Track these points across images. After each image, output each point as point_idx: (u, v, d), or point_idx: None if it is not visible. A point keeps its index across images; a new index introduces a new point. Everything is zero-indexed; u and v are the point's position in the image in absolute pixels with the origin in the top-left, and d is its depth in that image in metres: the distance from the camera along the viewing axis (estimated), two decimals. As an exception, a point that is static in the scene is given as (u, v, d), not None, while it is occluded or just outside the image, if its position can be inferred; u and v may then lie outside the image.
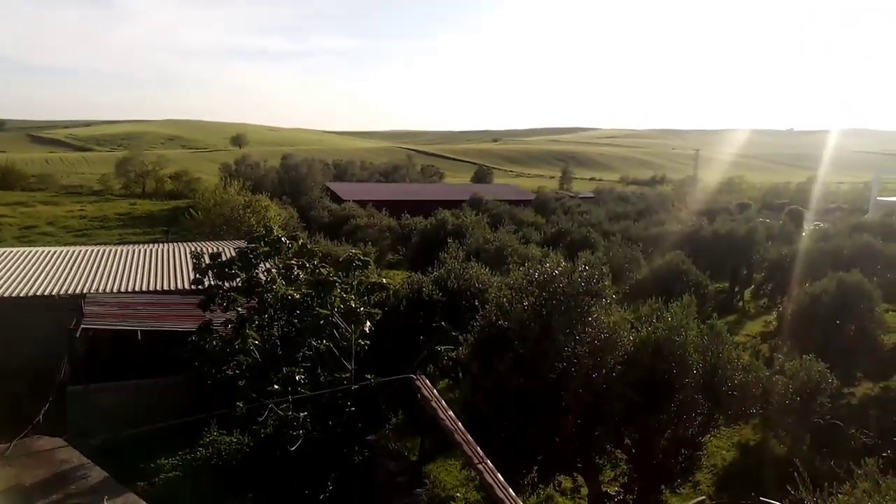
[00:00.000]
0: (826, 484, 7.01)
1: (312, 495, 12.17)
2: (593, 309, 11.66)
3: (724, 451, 17.16)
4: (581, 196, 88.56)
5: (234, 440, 14.78)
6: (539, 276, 11.71)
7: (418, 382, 9.80)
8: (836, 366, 16.11)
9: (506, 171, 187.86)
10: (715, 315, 14.02)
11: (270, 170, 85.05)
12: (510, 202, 61.11)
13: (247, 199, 42.49)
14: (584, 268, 12.01)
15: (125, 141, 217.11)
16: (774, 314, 28.53)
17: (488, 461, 8.13)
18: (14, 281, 22.87)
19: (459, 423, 8.59)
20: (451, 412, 8.91)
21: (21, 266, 24.89)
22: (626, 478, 13.20)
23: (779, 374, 14.81)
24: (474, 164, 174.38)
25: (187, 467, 14.27)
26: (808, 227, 49.63)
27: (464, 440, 8.39)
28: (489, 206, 55.93)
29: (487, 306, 12.82)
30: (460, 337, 13.25)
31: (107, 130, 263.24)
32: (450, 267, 18.36)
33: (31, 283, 22.80)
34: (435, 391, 9.32)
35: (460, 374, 16.88)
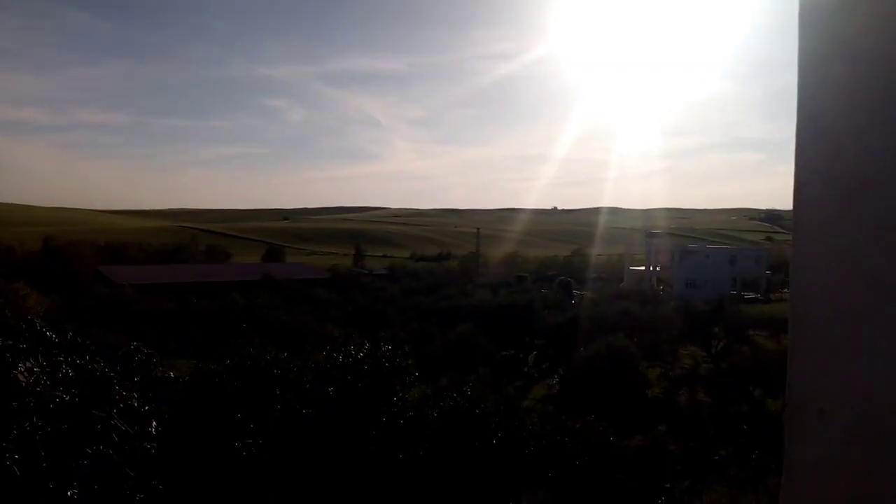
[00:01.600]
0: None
1: None
2: (398, 388, 11.82)
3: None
4: (375, 273, 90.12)
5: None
6: (343, 358, 11.63)
7: None
8: (612, 421, 17.80)
9: (298, 248, 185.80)
10: (504, 382, 14.90)
11: (29, 254, 75.47)
12: (305, 281, 60.33)
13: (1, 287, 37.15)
14: (387, 347, 12.18)
15: None
16: (556, 378, 30.96)
17: None
18: None
19: None
20: None
21: None
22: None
23: (568, 436, 15.96)
24: (265, 242, 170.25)
25: None
26: (576, 295, 55.20)
27: None
28: (283, 285, 54.71)
29: (289, 394, 12.40)
30: (259, 429, 12.58)
31: None
32: (244, 353, 17.52)
33: None
34: None
35: (260, 470, 15.86)
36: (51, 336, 13.89)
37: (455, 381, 13.38)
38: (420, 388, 14.35)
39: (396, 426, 11.36)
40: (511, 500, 12.63)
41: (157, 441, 12.14)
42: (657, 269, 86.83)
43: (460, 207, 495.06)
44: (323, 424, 10.99)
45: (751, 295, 74.43)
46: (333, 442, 10.85)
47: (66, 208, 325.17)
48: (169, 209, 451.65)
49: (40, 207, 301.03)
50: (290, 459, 11.15)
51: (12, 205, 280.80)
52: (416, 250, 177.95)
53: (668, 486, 14.83)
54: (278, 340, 24.16)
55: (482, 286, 59.66)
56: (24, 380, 12.86)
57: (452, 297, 46.84)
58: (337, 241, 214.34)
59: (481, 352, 27.62)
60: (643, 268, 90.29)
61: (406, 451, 11.34)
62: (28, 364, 13.56)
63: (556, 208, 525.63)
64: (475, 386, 12.54)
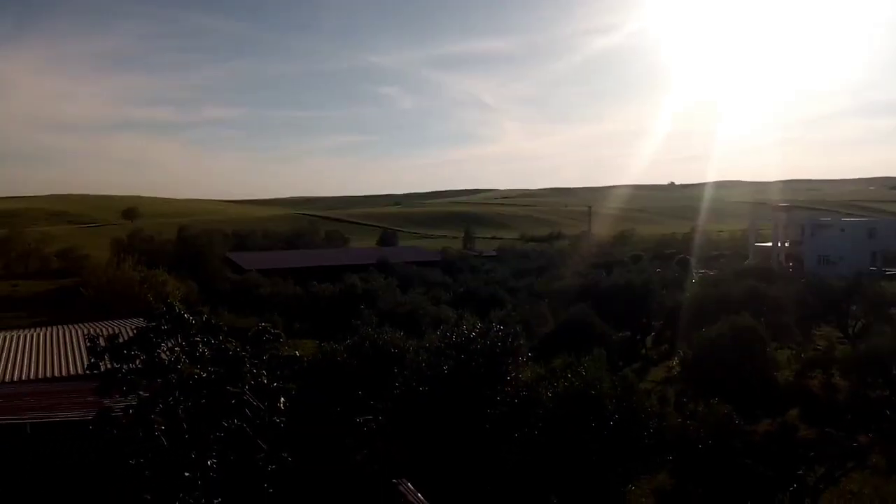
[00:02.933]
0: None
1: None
2: (510, 367, 11.82)
3: (642, 499, 17.47)
4: (485, 255, 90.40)
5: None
6: (456, 338, 11.78)
7: (401, 488, 9.27)
8: (737, 405, 16.97)
9: (410, 233, 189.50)
10: (621, 364, 14.53)
11: (167, 243, 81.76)
12: (417, 263, 61.53)
13: (142, 274, 40.54)
14: (499, 327, 12.20)
15: (4, 220, 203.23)
16: (676, 359, 29.85)
17: None
18: None
19: None
20: None
21: None
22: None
23: (689, 419, 15.39)
24: (379, 227, 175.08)
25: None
26: (696, 275, 52.81)
27: None
28: (397, 268, 56.06)
29: (406, 372, 12.73)
30: (378, 405, 13.02)
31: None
32: (364, 333, 18.18)
33: None
34: (419, 494, 8.79)
35: (380, 444, 16.48)
36: (188, 318, 15.00)
37: (569, 362, 13.18)
38: (533, 368, 14.29)
39: (510, 405, 11.40)
40: (629, 482, 12.37)
41: (286, 416, 12.85)
42: (786, 244, 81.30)
43: (572, 186, 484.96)
44: (438, 402, 11.22)
45: (893, 271, 68.24)
46: (449, 419, 11.05)
47: (198, 200, 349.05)
48: (290, 198, 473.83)
49: (176, 200, 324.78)
50: (407, 435, 11.47)
51: (151, 198, 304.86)
52: (526, 231, 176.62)
53: (800, 472, 13.97)
54: (394, 321, 24.86)
55: (595, 266, 58.42)
56: (167, 358, 14.01)
57: (564, 278, 46.17)
58: (447, 225, 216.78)
59: (596, 333, 27.06)
60: (770, 244, 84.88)
61: (520, 429, 11.36)
62: (169, 344, 14.75)
63: (672, 183, 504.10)
64: (590, 367, 12.31)
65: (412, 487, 8.71)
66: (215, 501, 11.13)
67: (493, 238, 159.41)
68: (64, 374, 21.37)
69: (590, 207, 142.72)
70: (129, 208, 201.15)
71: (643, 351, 34.97)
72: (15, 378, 20.81)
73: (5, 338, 25.94)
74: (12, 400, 17.92)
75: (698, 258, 72.45)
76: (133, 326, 19.21)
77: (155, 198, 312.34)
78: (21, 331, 27.98)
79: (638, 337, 36.06)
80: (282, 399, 12.84)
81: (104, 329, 24.88)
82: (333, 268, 56.64)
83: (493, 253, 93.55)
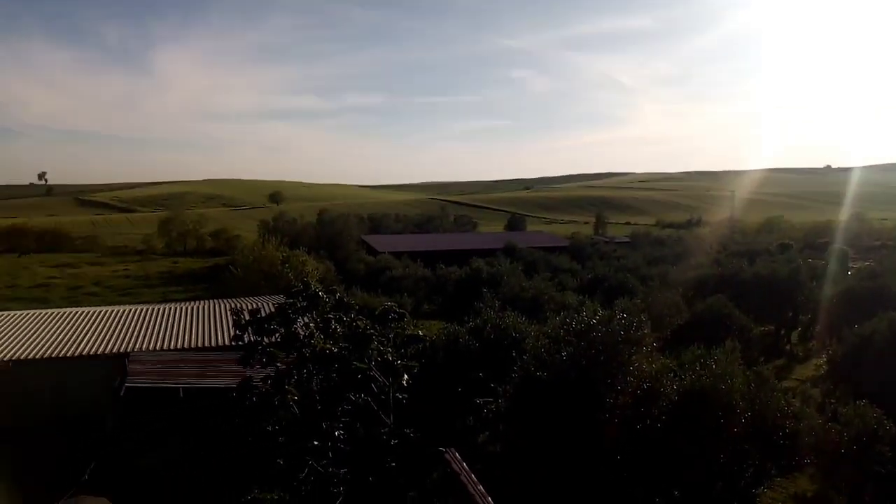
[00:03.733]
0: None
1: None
2: (634, 357, 11.47)
3: (779, 504, 16.42)
4: (616, 241, 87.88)
5: (275, 498, 14.69)
6: (576, 325, 11.59)
7: (447, 456, 9.55)
8: (890, 409, 15.43)
9: (539, 217, 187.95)
10: (762, 360, 13.62)
11: (307, 225, 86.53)
12: (544, 249, 60.95)
13: (284, 254, 43.18)
14: (623, 315, 11.85)
15: (166, 202, 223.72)
16: (824, 357, 27.63)
17: None
18: (62, 341, 23.48)
19: (489, 498, 8.27)
20: (480, 486, 8.59)
21: (68, 326, 25.58)
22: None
23: (832, 421, 14.22)
24: (507, 212, 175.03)
25: (228, 526, 14.17)
26: (851, 266, 48.38)
27: None
28: (523, 253, 55.84)
29: (525, 357, 12.70)
30: (498, 388, 13.09)
31: (149, 192, 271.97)
32: (486, 317, 18.33)
33: (77, 343, 23.37)
34: (464, 464, 9.02)
35: (500, 427, 16.63)
36: (322, 296, 15.85)
37: (699, 355, 12.57)
38: (660, 360, 13.76)
39: (631, 395, 11.08)
40: (761, 485, 11.66)
41: (409, 393, 13.27)
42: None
43: (714, 169, 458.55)
44: (556, 388, 11.12)
45: None
46: (565, 406, 10.93)
47: (337, 185, 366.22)
48: (422, 183, 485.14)
49: (317, 184, 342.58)
50: (526, 419, 11.48)
51: (294, 182, 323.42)
52: (662, 217, 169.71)
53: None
54: (517, 306, 24.86)
55: (737, 255, 55.00)
56: (302, 333, 14.90)
57: (702, 267, 43.91)
58: (579, 209, 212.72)
59: (733, 326, 25.57)
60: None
61: (641, 421, 11.02)
62: (305, 320, 15.66)
63: (829, 167, 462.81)
64: (721, 361, 11.67)
65: (458, 456, 8.77)
66: (342, 471, 11.73)
67: (627, 224, 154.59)
68: (213, 344, 23.33)
69: (733, 192, 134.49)
70: (275, 192, 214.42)
71: (787, 347, 32.62)
72: (172, 346, 22.99)
73: (166, 309, 28.70)
74: (169, 366, 19.84)
75: (855, 248, 66.22)
76: (274, 303, 20.56)
77: (297, 182, 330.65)
78: (178, 304, 30.82)
79: (782, 332, 33.68)
80: (406, 376, 13.26)
81: (248, 304, 26.86)
82: (461, 251, 57.46)
83: (626, 239, 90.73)
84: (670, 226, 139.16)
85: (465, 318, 20.46)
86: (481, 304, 23.03)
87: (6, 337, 23.93)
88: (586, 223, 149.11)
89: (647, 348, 11.69)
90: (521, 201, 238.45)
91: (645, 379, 11.31)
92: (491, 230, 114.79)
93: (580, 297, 27.24)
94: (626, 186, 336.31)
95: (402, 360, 13.59)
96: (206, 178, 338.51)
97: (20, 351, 22.43)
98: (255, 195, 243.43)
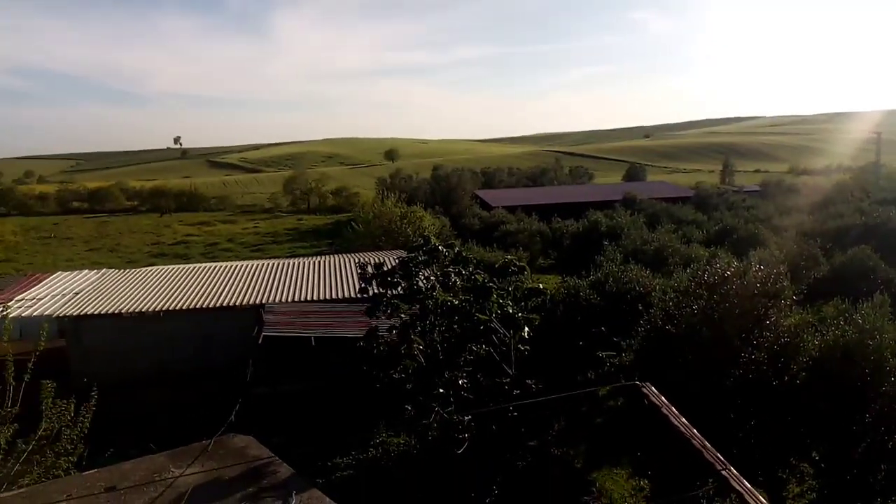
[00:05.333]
0: None
1: (479, 499, 12.33)
2: (771, 312, 10.83)
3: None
4: (746, 190, 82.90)
5: (402, 442, 15.37)
6: (708, 277, 11.06)
7: (644, 389, 9.44)
8: None
9: (660, 167, 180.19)
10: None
11: (422, 181, 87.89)
12: (666, 200, 58.54)
13: (402, 210, 44.14)
14: (759, 267, 11.18)
15: (290, 161, 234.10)
16: None
17: (731, 467, 7.51)
18: (204, 294, 25.42)
19: (694, 430, 8.08)
20: (683, 419, 8.41)
21: (208, 280, 27.63)
22: (814, 494, 12.07)
23: None
24: (625, 162, 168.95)
25: (360, 467, 15.01)
26: None
27: (702, 446, 7.88)
28: (644, 205, 53.90)
29: (651, 311, 12.33)
30: (622, 342, 12.84)
31: (274, 152, 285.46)
32: (607, 270, 17.94)
33: (218, 295, 25.21)
34: (663, 397, 8.87)
35: (622, 381, 16.38)
36: (442, 251, 16.09)
37: (843, 309, 11.68)
38: (799, 314, 12.93)
39: (768, 351, 10.50)
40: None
41: (530, 345, 13.31)
42: None
43: (855, 110, 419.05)
44: (687, 342, 10.73)
45: None
46: (699, 361, 10.54)
47: (450, 140, 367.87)
48: (535, 135, 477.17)
49: (431, 140, 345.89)
50: (653, 375, 11.19)
51: (409, 139, 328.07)
52: (796, 163, 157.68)
53: None
54: (640, 259, 24.12)
55: (883, 202, 50.32)
56: (423, 286, 15.25)
57: (843, 216, 40.57)
58: (703, 157, 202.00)
59: (879, 279, 23.56)
60: None
61: (778, 378, 10.45)
62: (426, 273, 16.00)
63: None
64: (868, 315, 10.79)
65: (654, 390, 8.55)
66: (466, 418, 12.03)
67: (757, 171, 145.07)
68: (339, 296, 24.41)
69: (879, 134, 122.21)
70: (390, 150, 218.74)
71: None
72: (302, 298, 24.28)
73: (295, 264, 30.28)
74: (300, 317, 20.99)
75: None
76: (395, 257, 21.14)
77: (412, 139, 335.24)
78: (305, 258, 32.40)
79: (936, 285, 30.66)
80: (526, 329, 13.28)
81: (372, 259, 27.77)
82: (577, 204, 56.29)
83: (756, 188, 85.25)
84: (805, 172, 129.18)
85: (584, 272, 20.11)
86: (601, 258, 22.54)
87: (155, 290, 26.22)
88: (711, 172, 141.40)
89: (785, 301, 11.00)
90: (640, 150, 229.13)
91: (783, 334, 10.67)
92: (608, 181, 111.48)
93: (708, 250, 25.95)
94: (754, 132, 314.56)
95: (522, 313, 13.61)
96: (325, 137, 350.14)
97: (168, 302, 24.52)
98: (371, 153, 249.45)
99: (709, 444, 7.75)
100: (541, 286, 14.82)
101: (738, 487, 7.08)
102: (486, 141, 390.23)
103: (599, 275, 17.76)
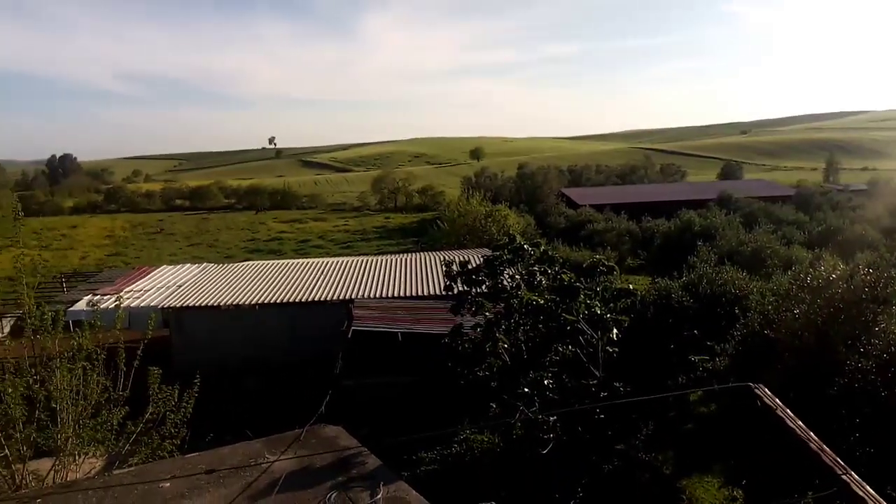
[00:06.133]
0: None
1: (563, 500, 12.19)
2: (880, 318, 10.14)
3: None
4: (851, 189, 77.90)
5: (486, 439, 15.40)
6: (812, 280, 10.48)
7: (757, 391, 9.08)
8: None
9: (758, 165, 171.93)
10: None
11: (507, 180, 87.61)
12: (765, 199, 55.79)
13: (487, 209, 44.19)
14: (867, 270, 10.49)
15: (378, 161, 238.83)
16: None
17: (852, 472, 7.08)
18: (296, 288, 26.36)
19: (811, 433, 7.69)
20: (799, 421, 8.01)
21: (300, 275, 28.63)
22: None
23: None
24: (721, 159, 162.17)
25: (444, 462, 15.15)
26: None
27: (820, 448, 7.48)
28: (740, 204, 51.57)
29: (749, 314, 11.80)
30: (716, 347, 12.36)
31: (362, 152, 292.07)
32: (700, 271, 17.30)
33: (309, 290, 26.08)
34: (777, 399, 8.50)
35: (716, 386, 15.77)
36: (528, 249, 16.00)
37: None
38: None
39: (876, 360, 9.83)
40: None
41: (619, 347, 13.01)
42: None
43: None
44: (787, 348, 10.21)
45: None
46: (800, 368, 10.00)
47: (535, 138, 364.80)
48: (624, 131, 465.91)
49: (516, 139, 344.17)
50: (751, 379, 10.71)
51: (494, 138, 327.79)
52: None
53: None
54: (735, 261, 23.11)
55: None
56: (508, 284, 15.21)
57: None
58: (804, 154, 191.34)
59: None
60: None
61: (889, 388, 9.77)
62: (510, 272, 15.96)
63: None
64: None
65: (768, 391, 8.11)
66: (551, 419, 11.91)
67: (864, 169, 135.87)
68: (424, 293, 24.72)
69: None
70: (475, 149, 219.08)
71: None
72: (389, 294, 24.75)
73: (382, 261, 30.90)
74: (388, 312, 21.40)
75: None
76: (480, 255, 21.19)
77: (497, 138, 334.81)
78: (392, 256, 33.01)
79: None
80: (615, 330, 13.00)
81: (457, 257, 27.97)
82: (668, 203, 54.55)
83: (863, 186, 79.93)
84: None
85: (675, 274, 19.48)
86: (694, 258, 21.75)
87: (250, 284, 27.40)
88: (814, 170, 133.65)
89: (897, 308, 10.28)
90: (736, 147, 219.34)
91: (894, 342, 9.96)
92: (702, 179, 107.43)
93: (812, 251, 24.55)
94: (861, 127, 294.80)
95: (611, 314, 13.33)
96: (412, 136, 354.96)
97: (262, 296, 25.58)
98: (457, 152, 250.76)
99: (827, 448, 7.29)
100: (630, 287, 14.48)
101: (860, 493, 6.60)
102: (572, 138, 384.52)
103: (692, 276, 17.15)
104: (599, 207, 53.52)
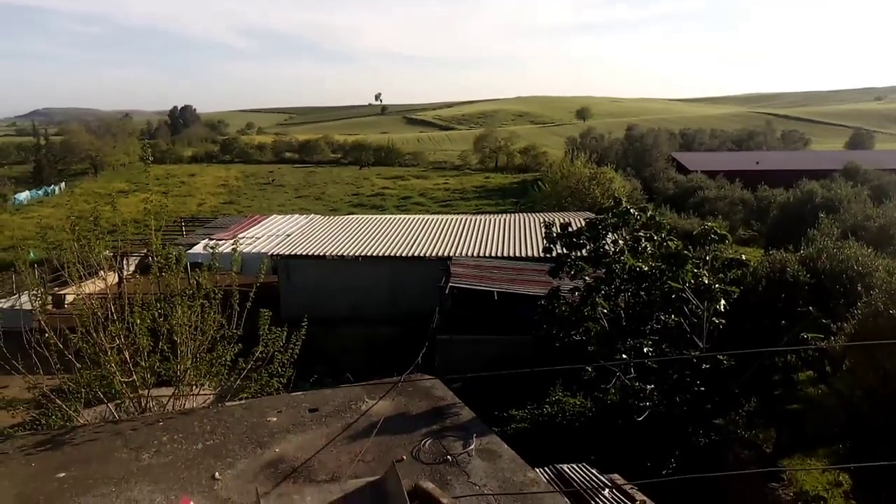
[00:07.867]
0: None
1: (653, 470, 11.99)
2: None
3: None
4: None
5: (578, 402, 15.34)
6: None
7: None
8: None
9: (892, 134, 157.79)
10: None
11: (614, 142, 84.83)
12: (899, 171, 51.17)
13: (592, 171, 43.13)
14: None
15: (481, 120, 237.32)
16: None
17: None
18: (397, 243, 26.95)
19: None
20: None
21: (402, 231, 29.21)
22: None
23: None
24: (849, 127, 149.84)
25: (535, 421, 15.24)
26: None
27: None
28: (870, 175, 47.57)
29: (872, 293, 10.98)
30: (832, 325, 11.62)
31: (466, 110, 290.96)
32: (821, 246, 16.19)
33: (409, 245, 26.60)
34: None
35: (827, 367, 14.88)
36: (634, 214, 15.50)
37: None
38: None
39: None
40: None
41: (726, 318, 12.46)
42: None
43: None
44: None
45: None
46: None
47: (646, 99, 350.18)
48: (743, 94, 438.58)
49: (625, 99, 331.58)
50: (867, 362, 10.06)
51: (602, 97, 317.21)
52: None
53: None
54: (861, 236, 21.48)
55: None
56: (611, 249, 14.85)
57: None
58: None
59: None
60: None
61: None
62: (614, 237, 15.56)
63: None
64: None
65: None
66: (648, 387, 11.68)
67: None
68: (522, 254, 24.62)
69: None
70: (581, 109, 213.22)
71: None
72: (487, 254, 24.82)
73: (481, 220, 30.96)
74: (485, 271, 21.50)
75: None
76: (583, 218, 20.78)
77: (604, 98, 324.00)
78: (491, 216, 32.99)
79: None
80: (723, 301, 12.45)
81: (557, 219, 27.58)
82: (788, 172, 51.13)
83: None
84: None
85: (791, 247, 18.35)
86: (814, 232, 20.38)
87: (354, 237, 28.24)
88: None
89: None
90: (868, 114, 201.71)
91: None
92: (827, 148, 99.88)
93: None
94: None
95: (719, 285, 12.77)
96: (516, 95, 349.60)
97: (365, 249, 26.32)
98: (562, 112, 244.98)
99: None
100: (743, 257, 13.78)
101: None
102: (686, 100, 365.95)
103: (811, 250, 16.08)
104: (712, 174, 50.95)
